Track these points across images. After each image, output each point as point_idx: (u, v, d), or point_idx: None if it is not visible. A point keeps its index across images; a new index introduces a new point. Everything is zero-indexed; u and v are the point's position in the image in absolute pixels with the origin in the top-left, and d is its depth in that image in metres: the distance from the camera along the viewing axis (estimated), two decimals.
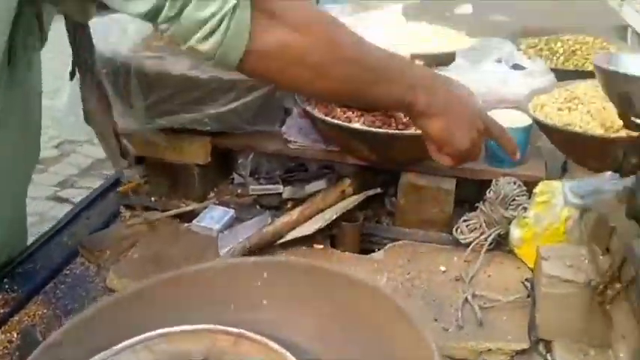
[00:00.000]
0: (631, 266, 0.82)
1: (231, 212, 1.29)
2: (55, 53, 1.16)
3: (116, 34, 1.27)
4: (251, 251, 1.17)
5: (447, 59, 1.55)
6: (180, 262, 1.11)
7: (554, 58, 1.55)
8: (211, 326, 0.70)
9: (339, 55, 0.84)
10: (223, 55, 0.80)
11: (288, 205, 1.36)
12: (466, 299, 1.06)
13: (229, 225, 1.26)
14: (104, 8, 0.84)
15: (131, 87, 1.20)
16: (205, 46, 0.79)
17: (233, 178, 1.44)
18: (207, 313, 0.72)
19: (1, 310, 1.04)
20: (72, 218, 1.32)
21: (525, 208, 1.15)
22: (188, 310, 0.74)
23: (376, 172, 1.35)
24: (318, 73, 0.84)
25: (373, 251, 1.24)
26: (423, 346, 0.63)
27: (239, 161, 1.42)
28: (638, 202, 0.81)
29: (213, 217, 1.27)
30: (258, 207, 1.37)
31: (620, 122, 0.94)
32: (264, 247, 1.18)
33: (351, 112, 1.24)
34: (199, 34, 0.78)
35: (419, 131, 1.17)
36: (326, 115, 1.25)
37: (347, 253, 1.21)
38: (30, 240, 1.24)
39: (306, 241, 1.21)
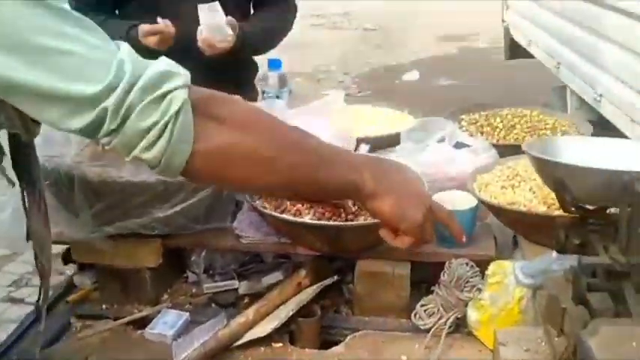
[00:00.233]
0: None
1: (186, 316, 1.25)
2: None
3: (59, 143, 1.26)
4: (207, 356, 1.13)
5: (392, 141, 1.59)
6: None
7: (495, 133, 1.60)
8: None
9: (283, 147, 0.86)
10: (168, 161, 0.79)
11: (246, 301, 1.33)
12: None
13: (184, 329, 1.23)
14: None
15: (75, 196, 1.19)
16: (150, 154, 0.78)
17: (187, 277, 1.42)
18: None
19: None
20: (21, 334, 1.27)
21: (480, 290, 1.16)
22: None
23: (332, 259, 1.35)
24: (266, 168, 0.85)
25: (335, 343, 1.22)
26: None
27: (192, 259, 1.40)
28: (582, 287, 0.83)
29: (167, 322, 1.23)
30: (213, 305, 1.34)
31: None
32: (221, 351, 1.15)
33: (300, 205, 1.24)
34: (143, 143, 0.77)
35: (368, 221, 1.20)
36: (276, 209, 1.25)
37: (307, 349, 1.19)
38: None
39: (265, 340, 1.18)
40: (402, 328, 1.23)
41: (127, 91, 0.75)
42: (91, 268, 1.39)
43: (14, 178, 1.01)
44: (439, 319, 1.18)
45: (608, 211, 0.95)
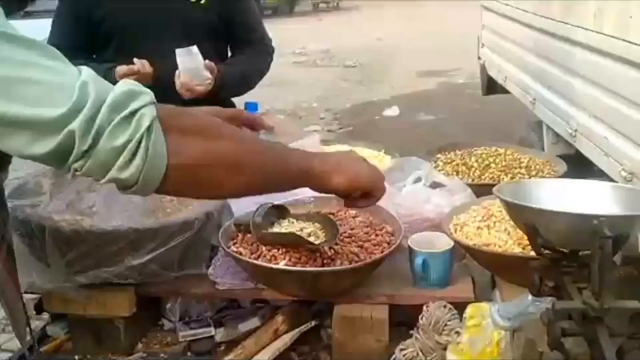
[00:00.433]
0: None
1: None
2: None
3: (31, 193, 1.25)
4: None
5: None
6: None
7: (470, 172, 1.61)
8: None
9: (246, 150, 0.94)
10: (146, 177, 0.80)
11: (222, 348, 1.31)
12: None
13: None
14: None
15: (47, 246, 1.17)
16: (127, 173, 0.79)
17: (162, 324, 1.39)
18: None
19: None
20: None
21: (458, 332, 1.15)
22: None
23: (310, 303, 1.33)
24: (235, 170, 0.91)
25: None
26: None
27: (167, 306, 1.38)
28: (556, 332, 0.82)
29: None
30: (189, 354, 1.31)
31: None
32: None
33: (276, 250, 1.23)
34: (120, 161, 0.78)
35: (344, 265, 1.19)
36: (251, 254, 1.24)
37: None
38: None
39: None
40: None
41: (95, 112, 0.77)
42: (64, 318, 1.36)
43: None
44: None
45: (581, 254, 0.95)
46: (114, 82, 0.81)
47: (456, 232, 1.28)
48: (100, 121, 0.77)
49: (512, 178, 1.56)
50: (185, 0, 2.00)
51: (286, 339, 1.23)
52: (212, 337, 1.33)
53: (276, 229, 1.27)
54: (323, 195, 1.46)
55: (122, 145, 0.78)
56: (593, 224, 0.81)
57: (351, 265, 1.20)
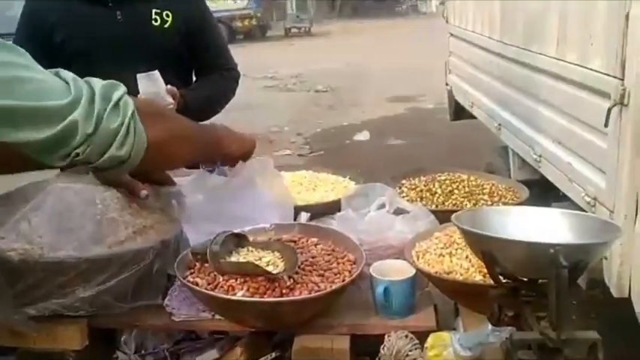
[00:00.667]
0: None
1: None
2: None
3: None
4: None
5: (332, 208, 1.57)
6: None
7: (434, 198, 1.61)
8: None
9: (191, 125, 1.27)
10: (135, 152, 1.02)
11: None
12: None
13: None
14: None
15: None
16: (122, 151, 1.01)
17: (117, 357, 1.34)
18: None
19: None
20: None
21: None
22: None
23: (271, 333, 1.29)
24: (189, 142, 1.21)
25: None
26: None
27: (122, 338, 1.33)
28: None
29: None
30: None
31: None
32: None
33: (234, 280, 1.19)
34: (117, 141, 0.99)
35: (304, 295, 1.16)
36: (208, 284, 1.20)
37: None
38: None
39: None
40: None
41: (91, 102, 0.96)
42: (13, 352, 1.30)
43: None
44: None
45: (540, 282, 0.94)
46: None
47: (418, 259, 1.27)
48: (98, 109, 0.96)
49: (475, 204, 1.56)
50: (148, 24, 1.98)
51: None
52: None
53: (234, 258, 1.24)
54: (283, 222, 1.46)
55: (117, 127, 0.98)
56: (550, 253, 0.80)
57: (311, 295, 1.17)
